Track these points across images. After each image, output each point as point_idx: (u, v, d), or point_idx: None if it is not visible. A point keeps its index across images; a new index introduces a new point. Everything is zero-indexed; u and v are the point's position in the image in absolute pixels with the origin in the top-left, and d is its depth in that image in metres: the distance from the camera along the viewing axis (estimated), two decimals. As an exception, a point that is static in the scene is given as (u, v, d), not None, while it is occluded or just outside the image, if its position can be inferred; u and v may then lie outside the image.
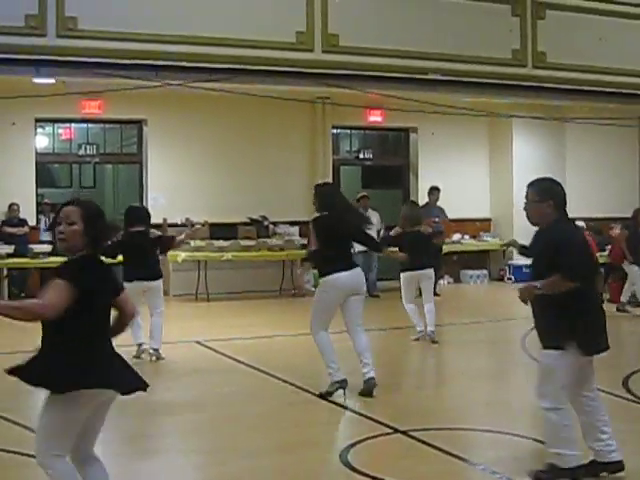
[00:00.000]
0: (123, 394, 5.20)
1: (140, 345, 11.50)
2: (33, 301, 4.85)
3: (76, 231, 4.97)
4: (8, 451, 7.29)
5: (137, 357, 11.26)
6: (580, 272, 6.19)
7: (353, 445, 7.41)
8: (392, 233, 13.15)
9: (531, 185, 6.71)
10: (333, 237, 9.23)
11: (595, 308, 6.47)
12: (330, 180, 19.27)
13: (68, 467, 5.05)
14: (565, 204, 6.51)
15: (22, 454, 7.07)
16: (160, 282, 11.90)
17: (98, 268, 5.13)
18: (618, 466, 6.43)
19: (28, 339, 5.42)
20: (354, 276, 9.26)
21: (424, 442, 7.44)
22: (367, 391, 9.19)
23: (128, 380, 5.25)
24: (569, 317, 6.18)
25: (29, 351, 5.23)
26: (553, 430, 6.27)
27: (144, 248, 11.53)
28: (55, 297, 4.76)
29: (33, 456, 7.10)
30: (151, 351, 11.47)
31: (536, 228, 6.59)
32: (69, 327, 4.90)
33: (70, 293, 4.77)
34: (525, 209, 6.65)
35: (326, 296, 9.21)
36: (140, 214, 12.16)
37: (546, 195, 6.50)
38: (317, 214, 9.49)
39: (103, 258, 5.33)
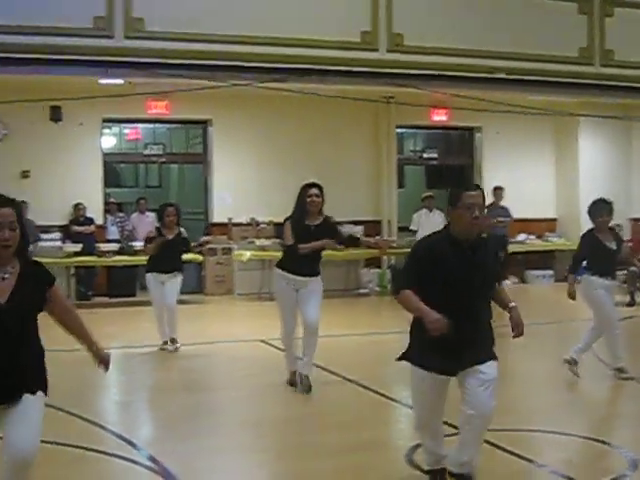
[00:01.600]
0: None
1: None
2: None
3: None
4: (71, 445, 7.39)
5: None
6: None
7: (419, 445, 7.38)
8: None
9: None
10: None
11: None
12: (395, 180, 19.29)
13: None
14: None
15: (90, 449, 7.20)
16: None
17: None
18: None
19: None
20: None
21: (490, 443, 7.37)
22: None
23: None
24: None
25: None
26: None
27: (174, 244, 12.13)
28: None
29: (96, 450, 7.28)
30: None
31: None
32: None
33: None
34: None
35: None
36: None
37: None
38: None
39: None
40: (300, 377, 9.42)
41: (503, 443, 7.27)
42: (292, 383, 9.56)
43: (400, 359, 6.18)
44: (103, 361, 5.31)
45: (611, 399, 9.97)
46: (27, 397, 4.85)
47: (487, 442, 7.38)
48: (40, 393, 4.96)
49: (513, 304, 6.09)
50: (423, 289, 5.78)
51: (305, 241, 9.20)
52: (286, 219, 9.46)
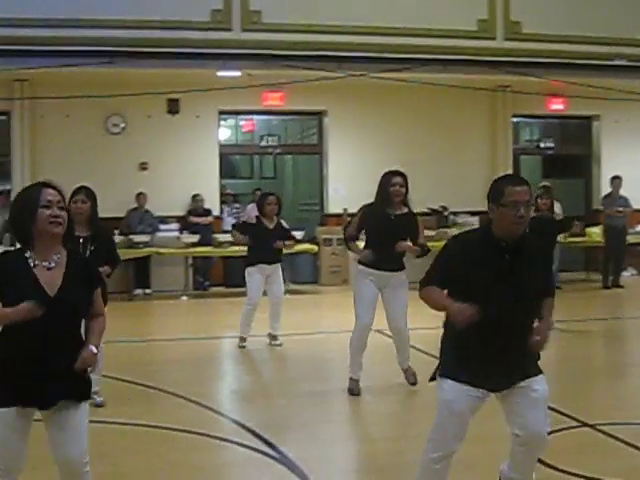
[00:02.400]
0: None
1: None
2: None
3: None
4: (198, 433, 7.51)
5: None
6: None
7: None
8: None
9: None
10: None
11: None
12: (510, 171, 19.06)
13: None
14: None
15: (210, 436, 7.31)
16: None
17: None
18: None
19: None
20: None
21: (613, 436, 7.27)
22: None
23: None
24: None
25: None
26: None
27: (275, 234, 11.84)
28: None
29: (220, 438, 7.37)
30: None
31: None
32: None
33: None
34: None
35: None
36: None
37: None
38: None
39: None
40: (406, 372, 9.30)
41: (622, 435, 7.14)
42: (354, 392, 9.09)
43: (432, 379, 5.47)
44: (83, 355, 4.54)
45: None
46: (71, 403, 4.57)
47: (610, 436, 7.27)
48: (84, 402, 4.65)
49: (546, 316, 5.31)
50: (453, 293, 5.15)
51: (384, 231, 8.79)
52: (362, 207, 9.13)
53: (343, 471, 6.93)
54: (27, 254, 4.48)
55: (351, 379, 9.14)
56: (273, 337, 11.93)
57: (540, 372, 5.33)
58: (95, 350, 4.59)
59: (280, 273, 12.01)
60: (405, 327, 9.21)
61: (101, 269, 7.84)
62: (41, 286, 4.43)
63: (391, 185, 8.80)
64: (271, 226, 11.77)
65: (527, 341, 5.07)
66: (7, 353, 4.48)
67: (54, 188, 4.57)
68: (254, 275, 11.81)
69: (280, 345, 11.80)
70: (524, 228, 5.04)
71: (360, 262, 9.04)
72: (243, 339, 11.87)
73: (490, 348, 5.03)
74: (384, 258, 8.88)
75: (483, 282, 4.98)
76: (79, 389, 4.59)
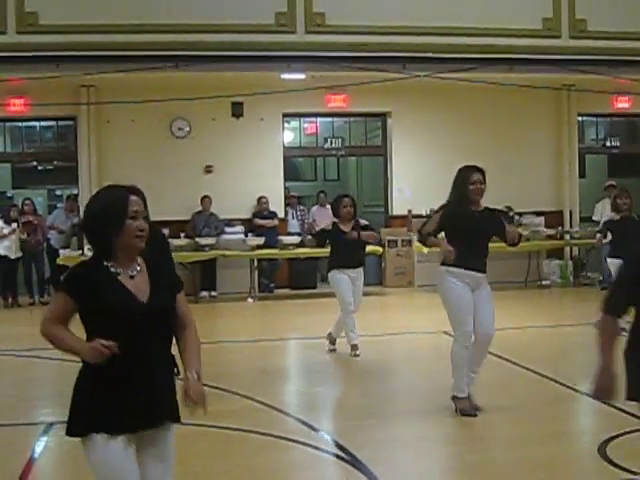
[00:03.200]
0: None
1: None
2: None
3: None
4: (260, 433, 7.54)
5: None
6: None
7: (611, 439, 7.22)
8: None
9: None
10: None
11: None
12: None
13: None
14: None
15: (275, 436, 7.34)
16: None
17: None
18: None
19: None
20: None
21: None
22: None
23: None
24: None
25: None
26: None
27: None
28: None
29: (284, 438, 7.40)
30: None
31: None
32: None
33: None
34: None
35: None
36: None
37: None
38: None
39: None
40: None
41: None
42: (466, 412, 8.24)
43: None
44: (191, 393, 4.15)
45: None
46: (167, 425, 4.21)
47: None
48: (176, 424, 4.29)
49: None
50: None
51: (473, 229, 8.15)
52: (440, 207, 8.51)
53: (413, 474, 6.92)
54: (107, 263, 4.15)
55: (456, 397, 8.32)
56: (354, 346, 11.27)
57: None
58: (197, 377, 4.18)
59: (362, 279, 11.56)
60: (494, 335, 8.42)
61: None
62: (133, 294, 4.12)
63: (471, 183, 8.22)
64: (347, 229, 11.31)
65: None
66: (104, 375, 4.04)
67: (138, 194, 4.24)
68: (340, 277, 11.28)
69: (358, 355, 11.21)
70: None
71: (446, 264, 8.31)
72: (333, 342, 11.57)
73: None
74: (475, 258, 8.25)
75: None
76: (175, 409, 4.24)
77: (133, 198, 4.16)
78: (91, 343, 3.98)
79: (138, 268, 4.20)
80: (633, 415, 7.94)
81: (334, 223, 11.50)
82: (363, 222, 11.60)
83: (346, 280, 11.23)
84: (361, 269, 11.51)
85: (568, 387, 9.16)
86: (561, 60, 14.39)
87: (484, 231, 8.33)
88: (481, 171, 8.37)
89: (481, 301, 8.28)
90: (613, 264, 12.88)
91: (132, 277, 4.17)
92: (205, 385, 4.27)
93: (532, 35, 14.06)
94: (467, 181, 8.26)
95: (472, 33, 13.79)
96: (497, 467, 6.76)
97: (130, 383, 4.04)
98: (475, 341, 8.31)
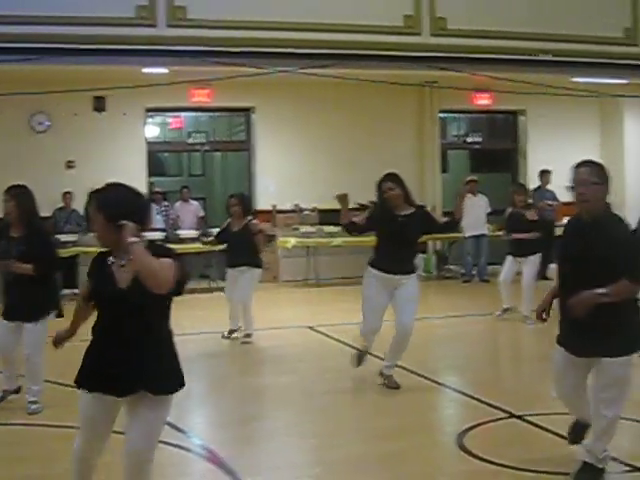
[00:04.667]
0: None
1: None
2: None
3: None
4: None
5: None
6: None
7: (469, 429, 7.37)
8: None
9: (585, 164, 5.88)
10: None
11: None
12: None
13: None
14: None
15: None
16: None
17: None
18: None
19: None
20: None
21: (540, 427, 7.36)
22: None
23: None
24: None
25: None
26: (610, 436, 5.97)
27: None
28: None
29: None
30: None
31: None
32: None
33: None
34: (576, 191, 5.77)
35: None
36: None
37: (604, 179, 5.82)
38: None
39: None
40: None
41: (553, 427, 7.22)
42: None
43: None
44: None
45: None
46: (146, 395, 4.74)
47: (538, 426, 7.35)
48: (163, 395, 4.82)
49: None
50: None
51: (389, 234, 8.77)
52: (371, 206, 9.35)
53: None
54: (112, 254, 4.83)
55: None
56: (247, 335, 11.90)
57: None
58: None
59: (249, 277, 11.83)
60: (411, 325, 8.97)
61: (22, 265, 7.77)
62: (115, 281, 4.72)
63: (383, 191, 8.78)
64: (236, 228, 11.76)
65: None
66: (92, 342, 4.87)
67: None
68: (228, 276, 12.04)
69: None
70: None
71: (371, 265, 8.91)
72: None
73: None
74: (393, 261, 8.77)
75: None
76: (157, 382, 4.75)
77: None
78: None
79: (129, 258, 4.64)
80: (490, 405, 8.15)
81: (228, 222, 11.99)
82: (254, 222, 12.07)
83: (229, 278, 11.93)
84: (249, 269, 11.84)
85: (430, 379, 9.29)
86: (422, 57, 14.57)
87: (405, 236, 8.78)
88: (391, 177, 8.91)
89: (401, 299, 8.81)
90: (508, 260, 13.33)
91: (122, 266, 4.74)
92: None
93: (393, 32, 14.18)
94: (381, 190, 8.84)
95: (333, 29, 13.84)
96: (357, 460, 6.79)
97: (107, 356, 4.75)
98: (395, 335, 8.96)
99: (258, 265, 11.90)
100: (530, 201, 14.33)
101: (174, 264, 4.63)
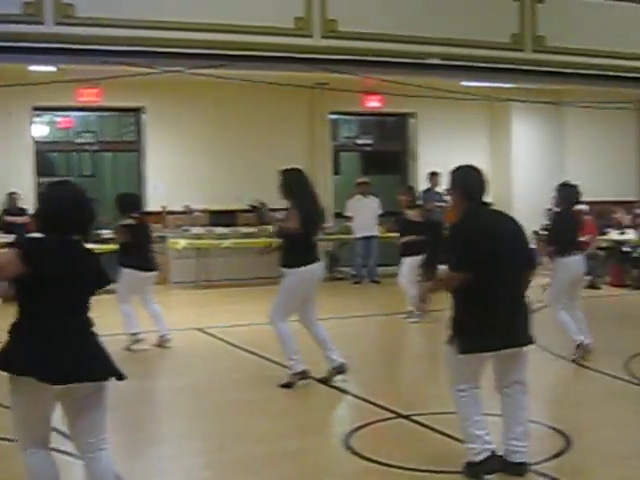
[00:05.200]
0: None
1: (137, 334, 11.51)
2: None
3: None
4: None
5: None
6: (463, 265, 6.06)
7: (356, 430, 7.41)
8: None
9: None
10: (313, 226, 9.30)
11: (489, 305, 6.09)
12: (330, 166, 19.32)
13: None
14: (477, 193, 6.36)
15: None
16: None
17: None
18: (517, 469, 6.19)
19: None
20: (321, 268, 9.33)
21: (426, 426, 7.43)
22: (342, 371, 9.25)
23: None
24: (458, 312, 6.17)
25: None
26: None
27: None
28: None
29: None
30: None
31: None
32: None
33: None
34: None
35: (300, 286, 9.11)
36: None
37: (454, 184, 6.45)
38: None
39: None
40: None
41: (439, 426, 7.30)
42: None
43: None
44: None
45: (547, 381, 10.07)
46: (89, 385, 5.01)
47: (424, 426, 7.43)
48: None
49: None
50: None
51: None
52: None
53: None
54: None
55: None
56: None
57: None
58: None
59: (120, 277, 11.55)
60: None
61: None
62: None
63: None
64: None
65: None
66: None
67: None
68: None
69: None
70: None
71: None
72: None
73: None
74: None
75: None
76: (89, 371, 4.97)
77: None
78: None
79: None
80: (378, 405, 8.21)
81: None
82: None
83: None
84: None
85: (319, 380, 9.31)
86: (313, 59, 14.58)
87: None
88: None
89: None
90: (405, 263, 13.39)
91: None
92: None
93: (284, 34, 14.18)
94: None
95: (224, 30, 13.75)
96: (246, 461, 6.77)
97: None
98: None
99: (123, 264, 11.57)
100: (420, 202, 14.49)
101: (10, 253, 4.75)
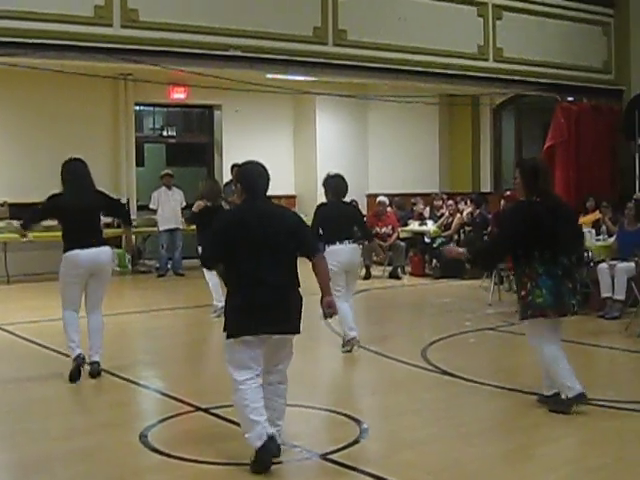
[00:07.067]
0: None
1: None
2: None
3: None
4: None
5: None
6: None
7: (154, 425, 7.35)
8: (195, 209, 13.21)
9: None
10: None
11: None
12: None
13: None
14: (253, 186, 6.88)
15: None
16: None
17: None
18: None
19: None
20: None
21: (226, 419, 7.43)
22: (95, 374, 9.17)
23: None
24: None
25: None
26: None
27: None
28: None
29: None
30: None
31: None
32: None
33: None
34: None
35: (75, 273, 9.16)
36: None
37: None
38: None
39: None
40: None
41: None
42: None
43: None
44: None
45: (345, 370, 10.24)
46: None
47: (224, 419, 7.44)
48: None
49: None
50: None
51: None
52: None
53: None
54: None
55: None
56: None
57: None
58: None
59: None
60: None
61: None
62: None
63: None
64: None
65: None
66: None
67: None
68: None
69: None
70: None
71: None
72: None
73: None
74: None
75: None
76: None
77: None
78: None
79: None
80: (177, 399, 8.18)
81: None
82: None
83: None
84: None
85: (118, 376, 9.19)
86: (114, 49, 14.30)
87: None
88: None
89: None
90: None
91: None
92: None
93: (83, 22, 13.83)
94: None
95: (22, 17, 13.25)
96: (40, 460, 6.61)
97: None
98: None
99: None
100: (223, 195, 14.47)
101: None
